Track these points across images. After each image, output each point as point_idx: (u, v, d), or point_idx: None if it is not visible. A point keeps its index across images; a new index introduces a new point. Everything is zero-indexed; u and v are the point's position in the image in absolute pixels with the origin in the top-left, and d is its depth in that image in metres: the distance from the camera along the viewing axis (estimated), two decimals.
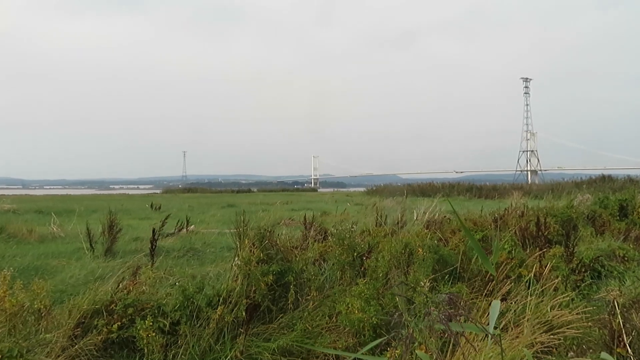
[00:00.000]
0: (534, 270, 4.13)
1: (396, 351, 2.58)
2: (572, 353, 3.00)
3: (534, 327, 3.15)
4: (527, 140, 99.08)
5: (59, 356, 2.87)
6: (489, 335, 1.51)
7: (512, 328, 3.13)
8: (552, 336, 3.10)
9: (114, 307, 3.21)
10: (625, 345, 2.80)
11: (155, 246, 5.53)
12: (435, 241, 4.43)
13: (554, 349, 3.10)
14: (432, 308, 1.60)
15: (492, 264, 1.61)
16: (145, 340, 3.03)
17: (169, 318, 3.19)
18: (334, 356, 3.00)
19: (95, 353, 3.01)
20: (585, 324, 3.25)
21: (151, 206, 18.88)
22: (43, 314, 3.02)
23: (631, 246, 6.20)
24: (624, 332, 2.83)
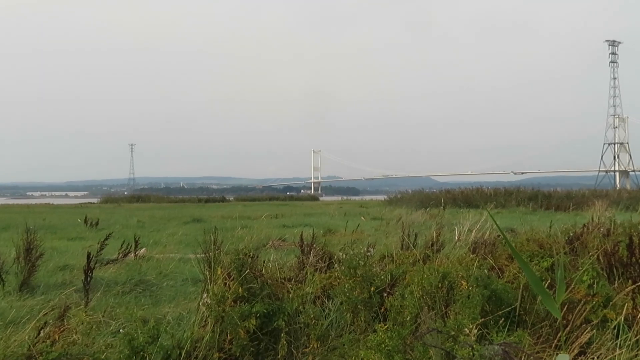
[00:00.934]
0: (624, 311, 4.13)
1: None
2: None
3: None
4: (615, 128, 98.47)
5: None
6: None
7: None
8: None
9: None
10: None
11: (91, 278, 5.55)
12: (486, 271, 4.43)
13: None
14: None
15: (558, 305, 1.61)
16: None
17: None
18: None
19: None
20: None
21: (85, 221, 18.94)
22: None
23: None
24: None
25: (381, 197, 57.91)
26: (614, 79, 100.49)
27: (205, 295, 3.83)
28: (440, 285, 4.08)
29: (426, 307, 3.97)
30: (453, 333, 3.32)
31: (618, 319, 4.00)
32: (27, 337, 3.49)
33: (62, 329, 3.63)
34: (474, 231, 8.36)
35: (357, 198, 78.36)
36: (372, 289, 4.36)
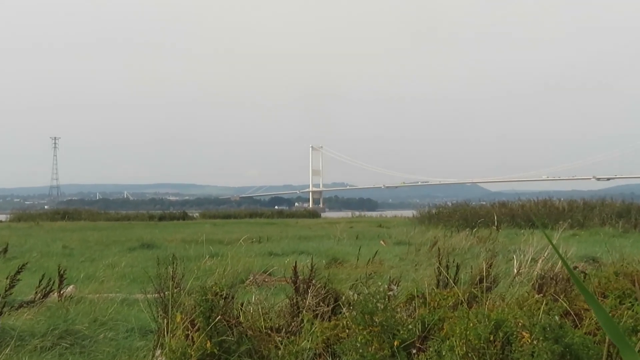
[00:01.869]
0: None
1: None
2: None
3: None
4: None
5: None
6: None
7: None
8: None
9: None
10: None
11: None
12: (557, 318, 4.43)
13: None
14: None
15: None
16: None
17: None
18: None
19: None
20: None
21: None
22: None
23: None
24: None
25: (408, 213, 57.37)
26: None
27: (158, 352, 3.83)
28: (492, 337, 4.07)
29: None
30: None
31: None
32: None
33: None
34: (539, 261, 8.36)
35: (374, 214, 78.34)
36: (395, 344, 4.35)
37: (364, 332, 4.37)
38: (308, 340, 4.43)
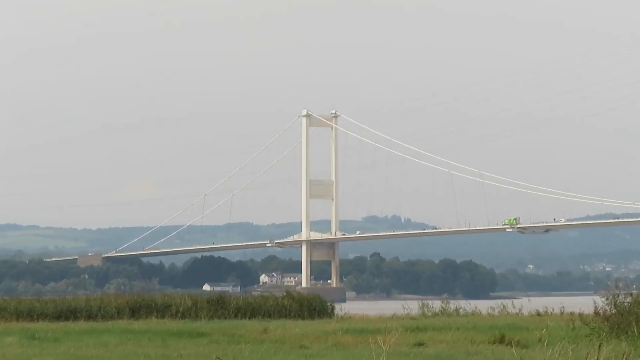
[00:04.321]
0: None
1: None
2: None
3: None
4: None
5: None
6: None
7: None
8: None
9: None
10: None
11: None
12: None
13: None
14: None
15: None
16: None
17: None
18: None
19: None
20: None
21: None
22: None
23: None
24: None
25: (571, 301, 39.32)
26: None
27: None
28: None
29: None
30: None
31: None
32: None
33: None
34: None
35: (480, 303, 51.29)
36: None
37: None
38: None
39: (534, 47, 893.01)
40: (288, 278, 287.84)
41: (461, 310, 47.65)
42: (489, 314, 45.00)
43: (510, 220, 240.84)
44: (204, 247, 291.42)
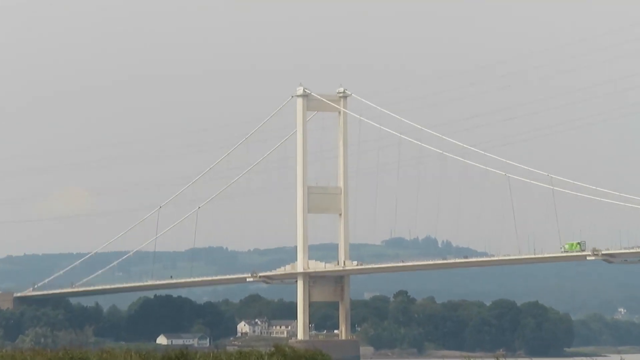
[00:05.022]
0: None
1: None
2: None
3: None
4: None
5: None
6: None
7: None
8: None
9: None
10: None
11: None
12: None
13: None
14: None
15: None
16: None
17: None
18: None
19: None
20: None
21: None
22: None
23: None
24: None
25: None
26: None
27: None
28: None
29: None
30: None
31: None
32: None
33: None
34: None
35: None
36: None
37: None
38: None
39: None
40: (278, 327, 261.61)
41: None
42: None
43: (572, 245, 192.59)
44: (158, 282, 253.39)
